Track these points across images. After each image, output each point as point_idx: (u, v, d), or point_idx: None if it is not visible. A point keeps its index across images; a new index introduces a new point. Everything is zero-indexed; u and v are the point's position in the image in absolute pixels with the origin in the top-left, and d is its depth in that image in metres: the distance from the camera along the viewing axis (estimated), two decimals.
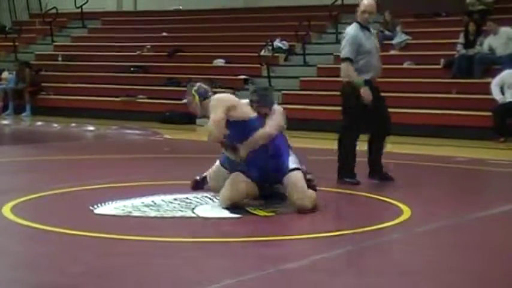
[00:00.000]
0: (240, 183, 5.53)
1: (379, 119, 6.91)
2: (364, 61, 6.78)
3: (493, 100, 11.57)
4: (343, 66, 6.82)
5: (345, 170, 6.87)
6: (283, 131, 5.75)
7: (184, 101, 5.86)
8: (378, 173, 6.94)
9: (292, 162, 5.58)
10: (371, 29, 7.02)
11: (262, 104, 5.66)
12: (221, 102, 5.59)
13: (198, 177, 6.35)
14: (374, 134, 7.01)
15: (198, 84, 5.83)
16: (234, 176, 5.57)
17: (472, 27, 13.18)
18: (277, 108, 5.76)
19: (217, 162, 6.17)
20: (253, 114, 5.62)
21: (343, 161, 6.91)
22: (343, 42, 6.85)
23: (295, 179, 5.49)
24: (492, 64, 12.74)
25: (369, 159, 6.99)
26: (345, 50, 6.80)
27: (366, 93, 6.71)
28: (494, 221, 5.58)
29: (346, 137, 6.95)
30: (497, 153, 10.04)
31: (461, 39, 13.22)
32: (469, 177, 8.05)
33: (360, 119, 6.83)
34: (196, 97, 5.74)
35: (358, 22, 6.91)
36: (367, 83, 6.77)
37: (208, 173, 6.26)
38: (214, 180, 6.11)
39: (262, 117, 5.63)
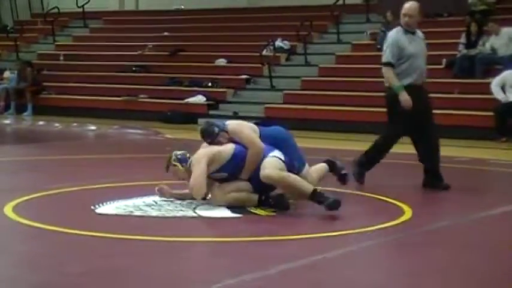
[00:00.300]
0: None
1: (424, 123, 6.79)
2: (406, 64, 6.71)
3: (495, 100, 11.57)
4: (384, 70, 6.78)
5: (364, 165, 6.87)
6: (257, 132, 5.79)
7: (169, 172, 5.84)
8: (437, 182, 6.74)
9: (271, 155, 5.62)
10: (417, 32, 6.92)
11: (215, 137, 5.71)
12: (200, 157, 5.58)
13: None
14: (417, 138, 6.89)
15: (173, 152, 5.81)
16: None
17: (474, 27, 13.18)
18: (233, 125, 5.81)
19: None
20: (231, 150, 5.64)
21: (369, 157, 6.91)
22: (384, 47, 6.83)
23: (263, 163, 5.51)
24: (494, 64, 12.74)
25: (424, 168, 6.90)
26: (385, 55, 6.77)
27: (404, 99, 6.62)
28: (495, 221, 5.58)
29: (383, 137, 6.96)
30: (499, 153, 10.04)
31: (462, 40, 13.22)
32: (470, 178, 8.04)
33: (403, 123, 6.76)
34: (179, 165, 5.74)
35: (401, 26, 6.89)
36: (410, 86, 6.67)
37: None
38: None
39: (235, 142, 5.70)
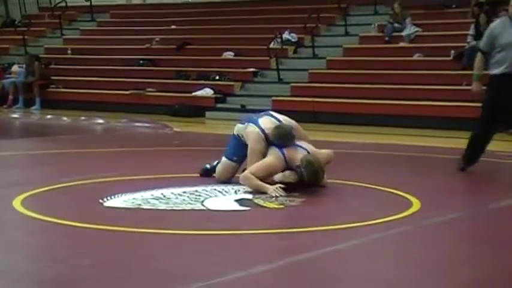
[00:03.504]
0: None
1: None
2: (500, 55, 6.88)
3: None
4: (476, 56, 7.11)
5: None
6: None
7: None
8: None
9: None
10: None
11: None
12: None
13: (208, 166, 6.58)
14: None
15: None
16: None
17: (483, 18, 13.09)
18: None
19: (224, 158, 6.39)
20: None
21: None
22: None
23: None
24: None
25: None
26: (481, 42, 7.12)
27: (473, 87, 7.12)
28: (504, 214, 5.56)
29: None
30: (508, 145, 9.99)
31: (471, 31, 13.14)
32: (479, 170, 8.00)
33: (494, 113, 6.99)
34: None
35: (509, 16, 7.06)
36: (503, 76, 6.87)
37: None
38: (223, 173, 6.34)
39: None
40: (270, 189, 5.77)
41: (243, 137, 6.27)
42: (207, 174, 6.55)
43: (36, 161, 8.17)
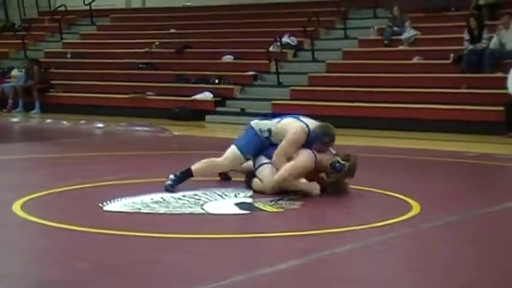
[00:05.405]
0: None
1: None
2: None
3: (504, 94, 11.50)
4: None
5: None
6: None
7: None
8: None
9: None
10: None
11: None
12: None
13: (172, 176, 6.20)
14: None
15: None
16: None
17: (472, 22, 13.08)
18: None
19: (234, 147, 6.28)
20: None
21: None
22: None
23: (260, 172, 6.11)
24: (502, 59, 12.68)
25: None
26: None
27: None
28: (504, 216, 5.56)
29: None
30: (507, 148, 10.00)
31: (465, 35, 13.14)
32: (478, 173, 8.02)
33: None
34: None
35: None
36: None
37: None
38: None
39: None
40: (317, 187, 5.93)
41: (270, 131, 6.16)
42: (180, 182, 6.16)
43: (36, 165, 8.16)
